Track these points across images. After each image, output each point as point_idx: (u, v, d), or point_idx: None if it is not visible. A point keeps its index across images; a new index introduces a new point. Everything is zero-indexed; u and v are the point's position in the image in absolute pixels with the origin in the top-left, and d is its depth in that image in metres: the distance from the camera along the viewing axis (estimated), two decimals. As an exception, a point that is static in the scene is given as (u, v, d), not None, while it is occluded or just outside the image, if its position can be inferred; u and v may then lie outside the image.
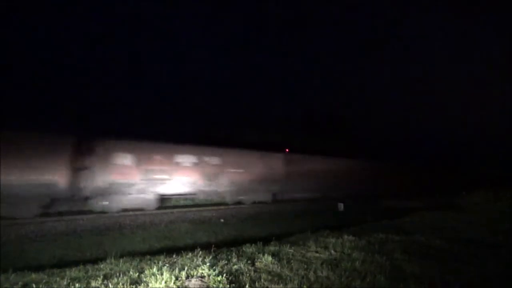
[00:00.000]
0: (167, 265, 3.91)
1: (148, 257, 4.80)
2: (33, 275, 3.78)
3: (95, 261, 4.68)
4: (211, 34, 46.61)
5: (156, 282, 3.26)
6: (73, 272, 3.96)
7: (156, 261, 4.27)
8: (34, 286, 3.28)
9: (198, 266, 3.84)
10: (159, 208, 11.84)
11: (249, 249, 5.02)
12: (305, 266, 4.08)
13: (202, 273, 3.58)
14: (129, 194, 11.37)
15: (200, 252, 4.65)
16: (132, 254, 5.23)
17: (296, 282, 3.51)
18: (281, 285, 3.41)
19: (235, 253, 4.70)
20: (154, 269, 3.61)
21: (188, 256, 4.51)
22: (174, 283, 3.26)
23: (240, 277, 3.60)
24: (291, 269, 3.95)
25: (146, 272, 3.58)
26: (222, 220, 10.62)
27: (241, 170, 14.35)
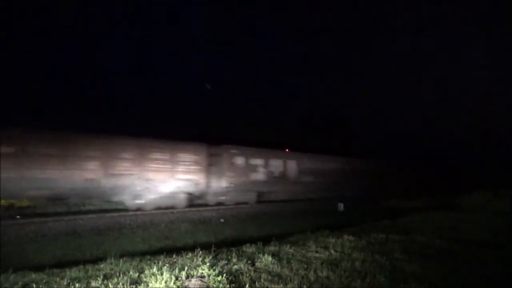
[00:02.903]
0: (167, 265, 3.91)
1: (148, 257, 4.80)
2: (33, 275, 3.78)
3: (95, 261, 4.67)
4: (213, 34, 46.59)
5: (156, 282, 3.25)
6: (73, 272, 3.96)
7: (156, 261, 4.26)
8: (34, 286, 3.28)
9: (198, 266, 3.84)
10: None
11: (249, 249, 5.02)
12: (305, 266, 4.08)
13: (202, 273, 3.58)
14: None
15: (200, 252, 4.65)
16: (132, 254, 5.24)
17: (296, 282, 3.51)
18: (281, 285, 3.40)
19: (235, 253, 4.70)
20: (154, 269, 3.61)
21: (188, 256, 4.51)
22: (174, 283, 3.26)
23: (240, 277, 3.60)
24: (291, 269, 3.95)
25: (146, 272, 3.58)
26: (222, 220, 10.62)
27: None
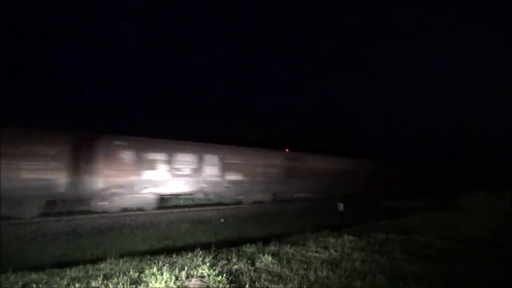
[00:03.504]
0: (167, 265, 3.91)
1: (148, 257, 4.80)
2: (33, 275, 3.78)
3: (95, 261, 4.67)
4: (213, 35, 46.64)
5: (156, 282, 3.25)
6: (73, 272, 3.96)
7: (156, 261, 4.26)
8: (34, 286, 3.28)
9: (198, 266, 3.83)
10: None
11: (249, 249, 5.02)
12: (305, 266, 4.08)
13: (202, 273, 3.58)
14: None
15: (200, 252, 4.65)
16: (132, 254, 5.24)
17: (296, 282, 3.51)
18: (281, 285, 3.40)
19: (235, 253, 4.70)
20: (154, 269, 3.61)
21: (188, 256, 4.51)
22: (174, 283, 3.25)
23: (240, 277, 3.60)
24: (291, 269, 3.95)
25: (146, 272, 3.58)
26: (222, 220, 10.62)
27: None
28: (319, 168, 17.88)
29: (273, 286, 3.39)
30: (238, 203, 13.81)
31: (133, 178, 10.99)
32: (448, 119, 43.04)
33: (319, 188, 17.44)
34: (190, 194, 12.80)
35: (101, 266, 4.25)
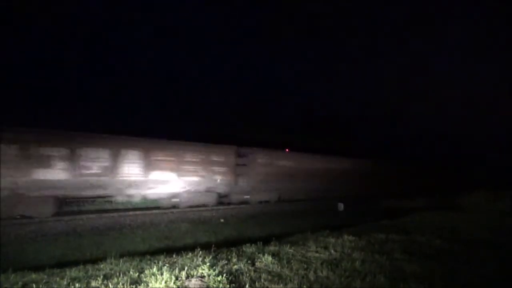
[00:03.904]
0: (167, 265, 3.91)
1: (148, 257, 4.80)
2: (33, 275, 3.78)
3: (95, 261, 4.67)
4: (213, 33, 46.65)
5: (156, 282, 3.25)
6: (73, 272, 3.96)
7: (156, 261, 4.27)
8: (34, 286, 3.28)
9: (198, 266, 3.84)
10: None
11: (249, 249, 5.02)
12: (305, 266, 4.08)
13: (202, 273, 3.58)
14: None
15: (200, 252, 4.65)
16: (132, 254, 5.23)
17: (296, 282, 3.51)
18: (281, 285, 3.40)
19: (235, 253, 4.70)
20: (154, 269, 3.61)
21: (188, 256, 4.51)
22: (174, 283, 3.26)
23: (240, 277, 3.60)
24: (291, 269, 3.95)
25: (146, 272, 3.58)
26: (222, 220, 10.62)
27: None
28: (287, 167, 16.22)
29: (273, 286, 3.39)
30: (174, 206, 11.79)
31: (20, 178, 8.89)
32: (448, 119, 43.05)
33: (282, 189, 15.64)
34: (104, 196, 10.83)
35: (101, 266, 4.25)
